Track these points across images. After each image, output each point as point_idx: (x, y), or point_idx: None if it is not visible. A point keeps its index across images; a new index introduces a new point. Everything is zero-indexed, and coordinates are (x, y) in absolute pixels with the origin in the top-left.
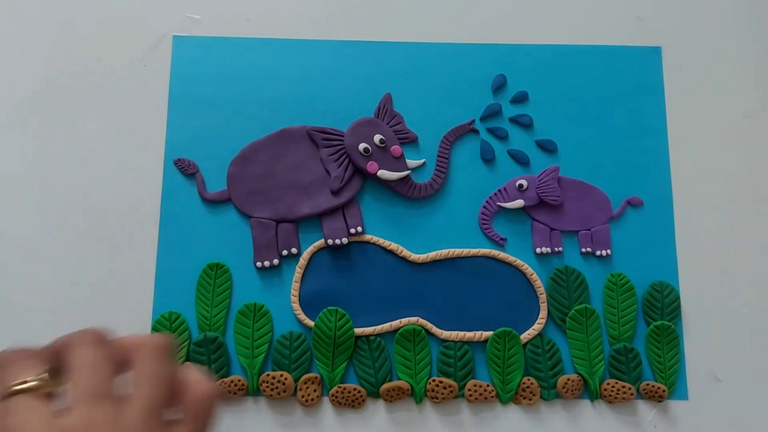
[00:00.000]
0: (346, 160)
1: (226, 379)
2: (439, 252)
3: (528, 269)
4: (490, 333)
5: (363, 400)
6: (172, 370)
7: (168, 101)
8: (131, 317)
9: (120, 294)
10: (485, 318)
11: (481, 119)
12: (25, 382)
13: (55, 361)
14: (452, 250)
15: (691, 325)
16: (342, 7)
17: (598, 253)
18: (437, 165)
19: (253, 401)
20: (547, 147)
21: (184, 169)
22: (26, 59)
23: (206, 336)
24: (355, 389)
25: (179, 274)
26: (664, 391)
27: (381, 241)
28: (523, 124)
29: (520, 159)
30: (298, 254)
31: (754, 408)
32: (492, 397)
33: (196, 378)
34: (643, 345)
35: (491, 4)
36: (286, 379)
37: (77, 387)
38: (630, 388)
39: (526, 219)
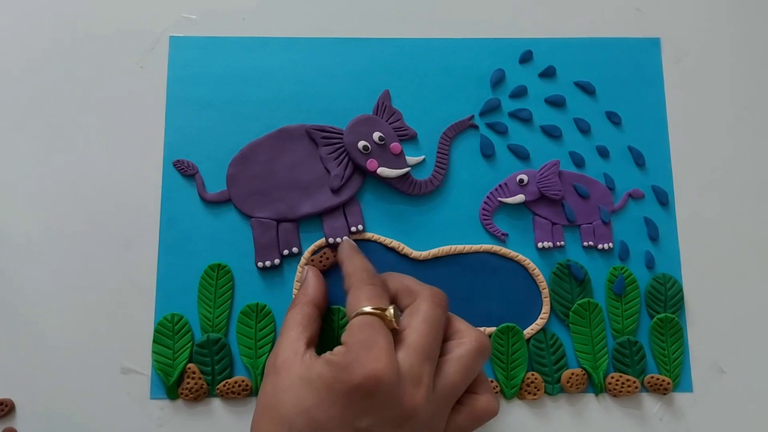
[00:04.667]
0: (346, 159)
1: (230, 380)
2: (441, 249)
3: (530, 264)
4: (493, 329)
5: None
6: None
7: (166, 102)
8: (133, 320)
9: (122, 297)
10: (488, 314)
11: (480, 114)
12: (379, 309)
13: (392, 297)
14: (453, 247)
15: (695, 317)
16: (339, 4)
17: (600, 246)
18: (437, 161)
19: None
20: (551, 132)
21: (184, 170)
22: (21, 63)
23: (209, 337)
24: None
25: (181, 275)
26: (668, 383)
27: (382, 238)
28: (523, 118)
29: (520, 154)
30: (299, 253)
31: (759, 399)
32: (496, 392)
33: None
34: (647, 338)
35: None
36: None
37: (412, 338)
38: (634, 382)
39: (527, 214)
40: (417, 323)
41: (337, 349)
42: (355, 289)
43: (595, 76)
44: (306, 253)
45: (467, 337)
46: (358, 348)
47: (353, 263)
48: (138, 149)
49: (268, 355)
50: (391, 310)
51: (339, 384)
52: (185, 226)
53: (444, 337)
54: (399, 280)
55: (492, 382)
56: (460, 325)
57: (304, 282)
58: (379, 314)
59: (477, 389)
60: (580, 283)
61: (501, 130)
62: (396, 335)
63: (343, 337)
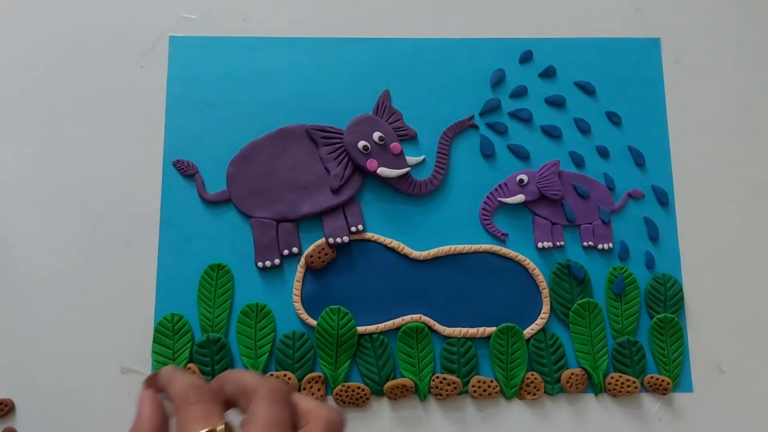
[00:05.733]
0: (346, 158)
1: None
2: (441, 248)
3: (530, 264)
4: (493, 329)
5: (367, 399)
6: None
7: (165, 102)
8: (133, 320)
9: (122, 297)
10: (488, 314)
11: (480, 114)
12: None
13: (229, 404)
14: (453, 247)
15: (695, 317)
16: (338, 4)
17: (600, 246)
18: (437, 161)
19: None
20: (551, 132)
21: (184, 170)
22: (22, 64)
23: (209, 337)
24: (359, 388)
25: (181, 275)
26: (668, 383)
27: (382, 239)
28: (523, 118)
29: (520, 154)
30: (300, 253)
31: (758, 399)
32: (496, 392)
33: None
34: (647, 338)
35: None
36: (289, 379)
37: None
38: (634, 382)
39: (527, 214)
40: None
41: None
42: (180, 412)
43: (595, 76)
44: (302, 260)
45: (313, 421)
46: None
47: (176, 384)
48: (138, 149)
49: (268, 355)
50: (221, 429)
51: None
52: (185, 225)
53: (293, 425)
54: (235, 381)
55: (492, 382)
56: (305, 406)
57: (138, 414)
58: None
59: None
60: (580, 283)
61: (501, 130)
62: None
63: None
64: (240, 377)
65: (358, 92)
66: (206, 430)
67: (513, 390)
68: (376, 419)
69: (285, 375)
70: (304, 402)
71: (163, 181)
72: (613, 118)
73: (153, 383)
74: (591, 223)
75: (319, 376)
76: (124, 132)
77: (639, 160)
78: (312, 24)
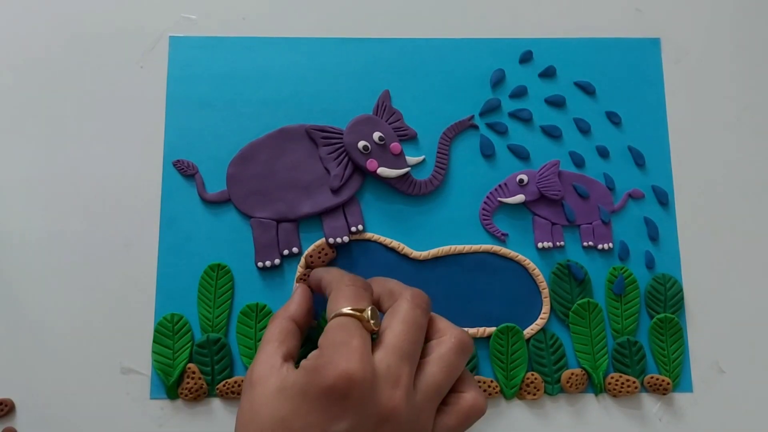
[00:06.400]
0: (346, 159)
1: (229, 380)
2: (441, 249)
3: (530, 264)
4: (493, 329)
5: None
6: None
7: (165, 102)
8: (133, 320)
9: (121, 297)
10: (488, 314)
11: (480, 114)
12: (357, 311)
13: (374, 302)
14: (453, 247)
15: (695, 317)
16: (338, 4)
17: (600, 246)
18: (437, 161)
19: None
20: (551, 132)
21: (184, 170)
22: (20, 63)
23: (209, 337)
24: None
25: (180, 275)
26: (668, 383)
27: (382, 239)
28: (523, 118)
29: (520, 154)
30: (300, 253)
31: (759, 399)
32: (496, 392)
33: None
34: (647, 338)
35: None
36: None
37: (390, 338)
38: (634, 382)
39: (527, 214)
40: (395, 324)
41: (312, 353)
42: (334, 291)
43: (595, 76)
44: (302, 260)
45: (447, 335)
46: (331, 350)
47: (331, 273)
48: (138, 149)
49: None
50: (368, 311)
51: (312, 388)
52: (185, 226)
53: (426, 338)
54: (381, 284)
55: (492, 382)
56: (441, 323)
57: (290, 298)
58: (356, 315)
59: (462, 387)
60: (580, 283)
61: (501, 130)
62: (375, 337)
63: (319, 341)
64: (388, 282)
65: (358, 92)
66: (353, 308)
67: (513, 390)
68: None
69: None
70: (440, 320)
71: (163, 181)
72: (613, 118)
73: (306, 281)
74: (591, 223)
75: None
76: (124, 132)
77: (639, 160)
78: (312, 24)
